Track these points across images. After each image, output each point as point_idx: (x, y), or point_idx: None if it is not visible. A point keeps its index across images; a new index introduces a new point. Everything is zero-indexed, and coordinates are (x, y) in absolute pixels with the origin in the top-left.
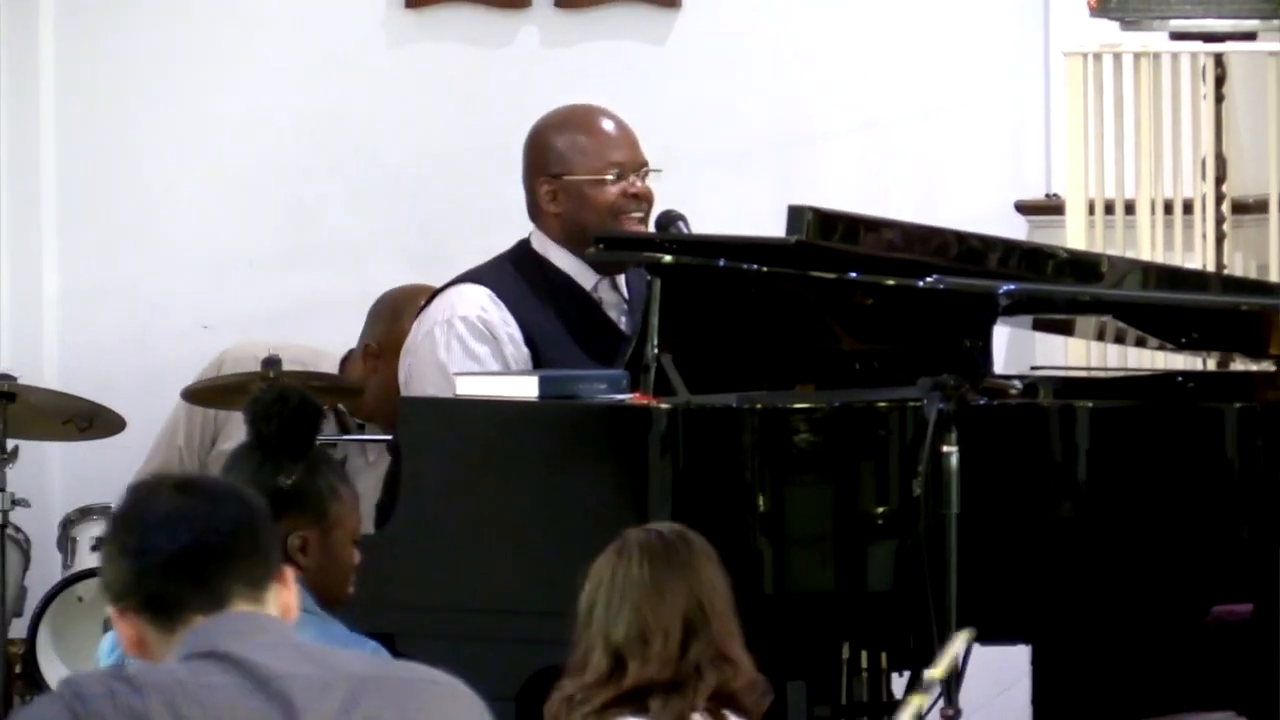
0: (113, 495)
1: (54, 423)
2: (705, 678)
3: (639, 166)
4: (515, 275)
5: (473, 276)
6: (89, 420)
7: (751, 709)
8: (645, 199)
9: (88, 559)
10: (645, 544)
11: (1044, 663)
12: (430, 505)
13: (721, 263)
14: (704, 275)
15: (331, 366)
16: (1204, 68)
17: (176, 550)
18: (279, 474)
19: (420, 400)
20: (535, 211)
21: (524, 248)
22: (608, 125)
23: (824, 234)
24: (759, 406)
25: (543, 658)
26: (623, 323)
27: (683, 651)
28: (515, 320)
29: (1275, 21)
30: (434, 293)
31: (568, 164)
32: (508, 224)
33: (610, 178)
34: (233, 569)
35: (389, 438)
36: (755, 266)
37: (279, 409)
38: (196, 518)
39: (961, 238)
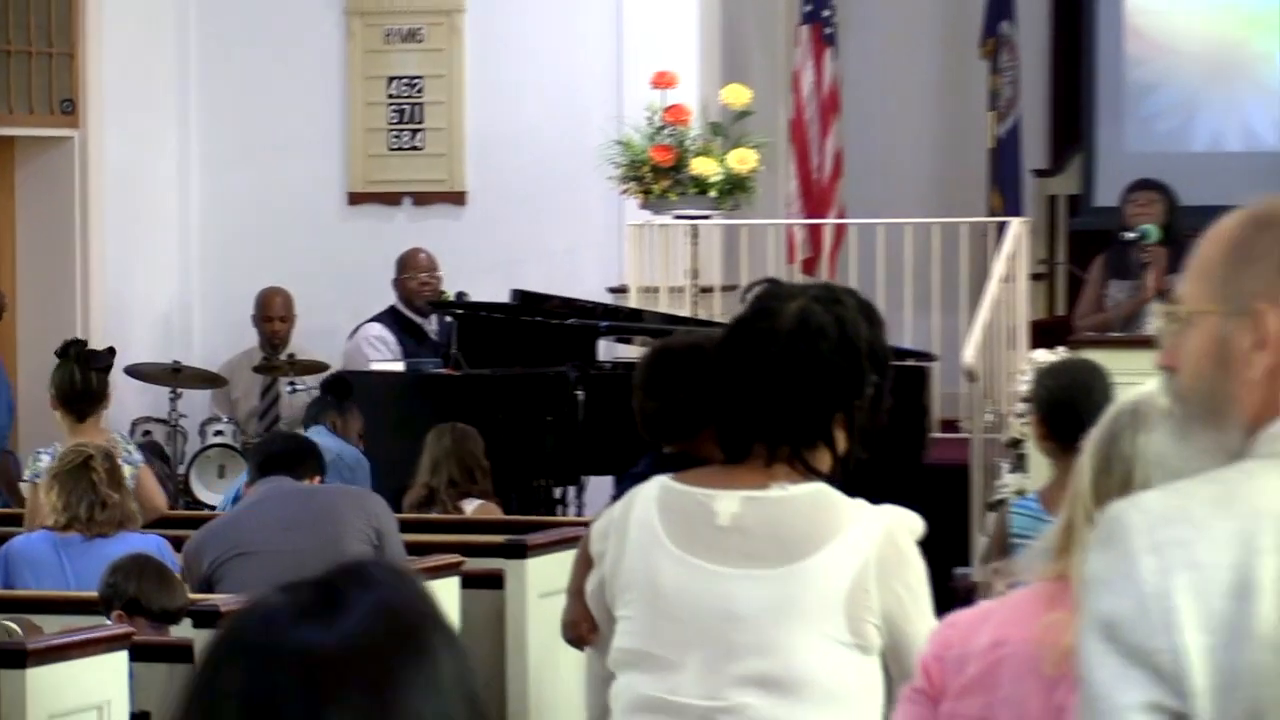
0: None
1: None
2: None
3: (424, 270)
4: (391, 319)
5: (373, 319)
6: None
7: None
8: (431, 284)
9: None
10: (450, 428)
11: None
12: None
13: (482, 313)
14: (477, 319)
15: None
16: (687, 231)
17: (260, 455)
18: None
19: (361, 371)
20: (400, 291)
21: (392, 308)
22: (420, 256)
23: (526, 301)
24: (499, 374)
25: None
26: (434, 334)
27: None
28: (393, 336)
29: (721, 209)
30: (354, 330)
31: (407, 268)
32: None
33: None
34: (283, 464)
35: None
36: (499, 315)
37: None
38: (275, 441)
39: (583, 302)
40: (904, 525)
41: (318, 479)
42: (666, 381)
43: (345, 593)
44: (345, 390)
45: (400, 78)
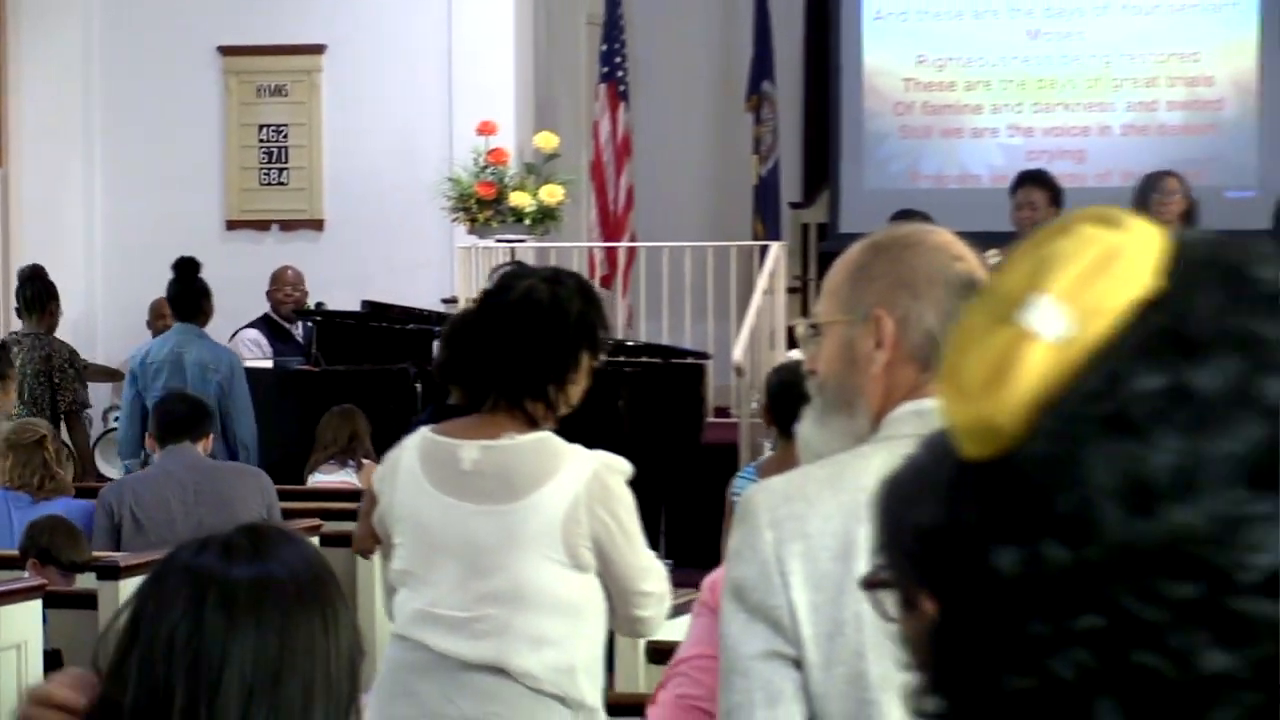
0: None
1: None
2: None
3: (290, 284)
4: (264, 324)
5: (249, 325)
6: None
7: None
8: (296, 296)
9: None
10: (343, 408)
11: None
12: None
13: (338, 319)
14: (333, 324)
15: None
16: (507, 252)
17: (165, 418)
18: None
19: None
20: (271, 301)
21: (265, 315)
22: (288, 272)
23: (374, 309)
24: (351, 370)
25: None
26: (300, 337)
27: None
28: (264, 338)
29: (534, 235)
30: (233, 334)
31: (276, 283)
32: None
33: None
34: (185, 429)
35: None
36: (351, 321)
37: None
38: (177, 403)
39: (421, 310)
40: (611, 466)
41: (211, 437)
42: (460, 339)
43: (266, 543)
44: (195, 268)
45: (269, 125)
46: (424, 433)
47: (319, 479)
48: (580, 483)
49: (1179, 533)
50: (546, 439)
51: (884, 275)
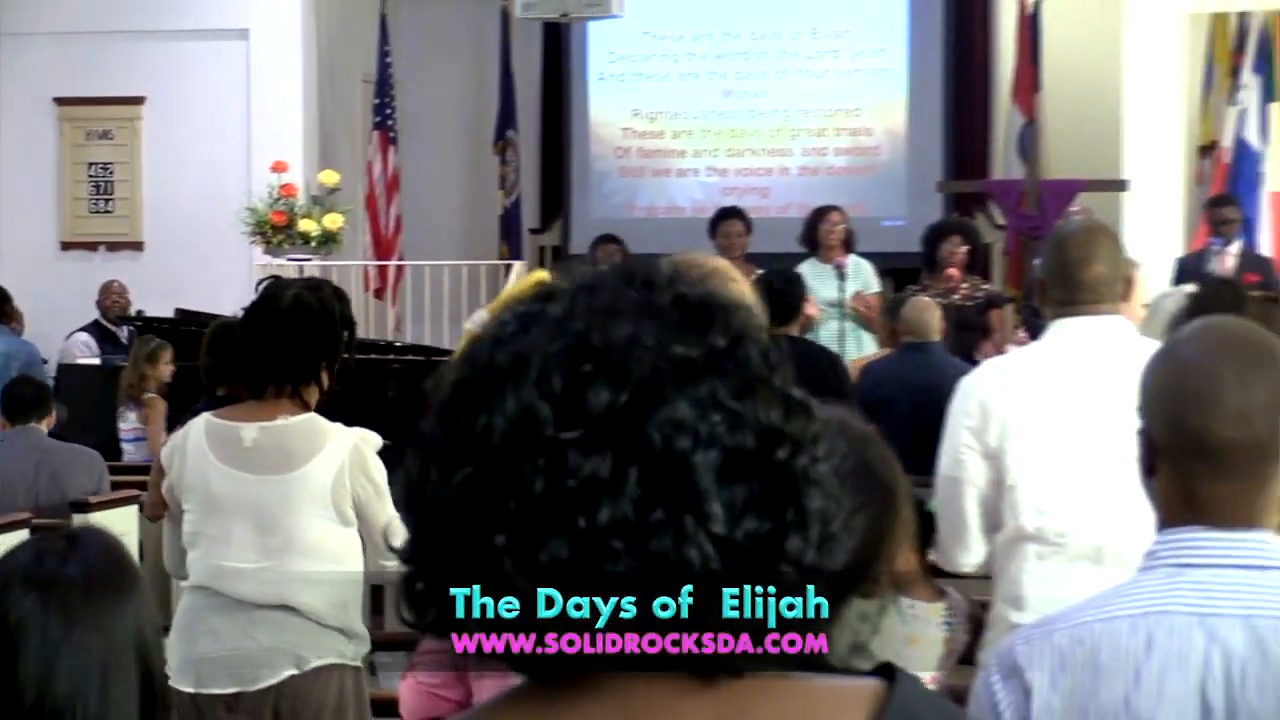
0: None
1: None
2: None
3: (115, 294)
4: (94, 328)
5: (81, 329)
6: None
7: None
8: (121, 304)
9: None
10: (144, 339)
11: None
12: (79, 395)
13: (156, 325)
14: (152, 329)
15: None
16: (298, 269)
17: (13, 400)
18: None
19: (71, 365)
20: (100, 309)
21: (95, 321)
22: (114, 285)
23: (185, 316)
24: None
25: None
26: (125, 339)
27: None
28: (94, 340)
29: (319, 255)
30: (68, 336)
31: (104, 294)
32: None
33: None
34: (31, 409)
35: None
36: (166, 326)
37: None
38: (24, 386)
39: (225, 317)
40: (367, 440)
41: (54, 415)
42: (221, 346)
43: (82, 539)
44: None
45: (97, 163)
46: (207, 417)
47: (124, 426)
48: (344, 453)
49: (468, 483)
50: (313, 419)
51: None
